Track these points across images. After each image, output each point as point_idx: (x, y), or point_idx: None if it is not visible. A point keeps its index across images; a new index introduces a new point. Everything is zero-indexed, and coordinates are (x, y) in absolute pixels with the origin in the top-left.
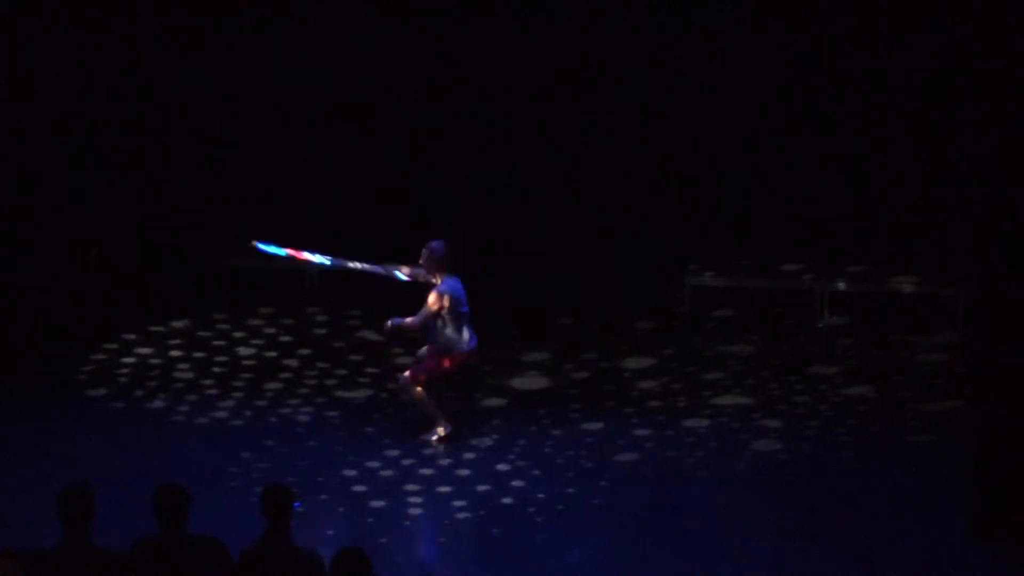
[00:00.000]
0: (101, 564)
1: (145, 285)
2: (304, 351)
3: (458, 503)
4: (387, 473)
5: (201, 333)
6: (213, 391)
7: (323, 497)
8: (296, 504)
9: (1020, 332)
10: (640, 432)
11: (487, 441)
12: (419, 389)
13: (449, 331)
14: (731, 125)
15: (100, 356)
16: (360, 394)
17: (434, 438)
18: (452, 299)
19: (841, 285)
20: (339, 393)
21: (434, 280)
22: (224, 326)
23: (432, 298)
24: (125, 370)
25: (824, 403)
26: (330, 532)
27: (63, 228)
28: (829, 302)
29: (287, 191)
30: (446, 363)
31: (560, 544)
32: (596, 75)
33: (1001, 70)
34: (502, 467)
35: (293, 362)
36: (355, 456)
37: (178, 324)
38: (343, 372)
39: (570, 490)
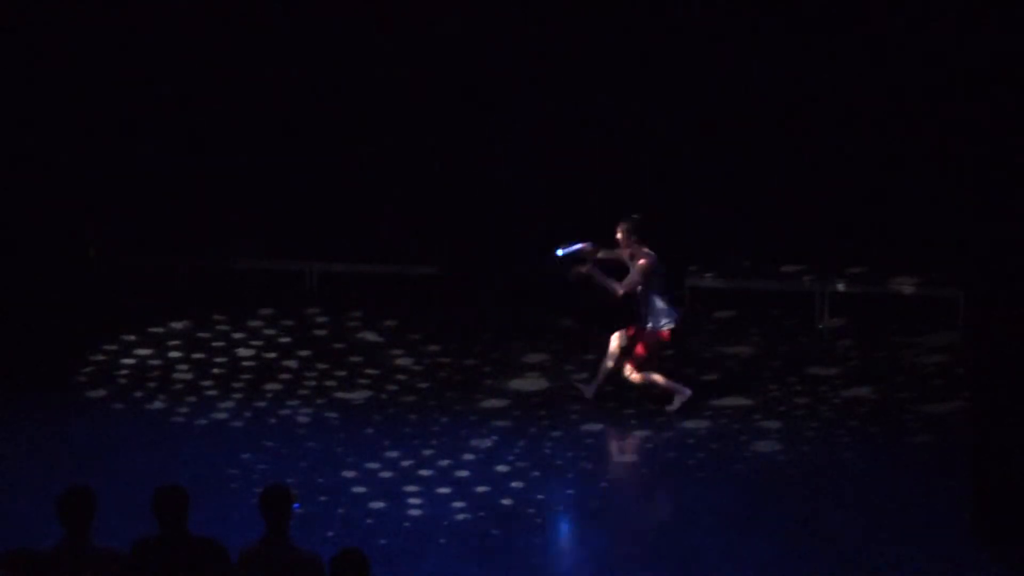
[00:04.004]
0: (101, 564)
1: (145, 286)
2: (304, 352)
3: (458, 504)
4: (386, 474)
5: (201, 334)
6: (213, 392)
7: (322, 498)
8: (295, 505)
9: (1020, 333)
10: (640, 433)
11: (487, 442)
12: (640, 375)
13: (655, 305)
14: (732, 125)
15: (100, 357)
16: (360, 395)
17: (677, 406)
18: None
19: (841, 286)
20: (339, 394)
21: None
22: (224, 327)
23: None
24: (125, 371)
25: (824, 404)
26: (329, 533)
27: (62, 229)
28: (829, 303)
29: (288, 192)
30: (653, 341)
31: (560, 545)
32: (597, 75)
33: (1001, 69)
34: (502, 468)
35: (293, 363)
36: (354, 457)
37: (178, 325)
38: (343, 373)
39: (569, 491)
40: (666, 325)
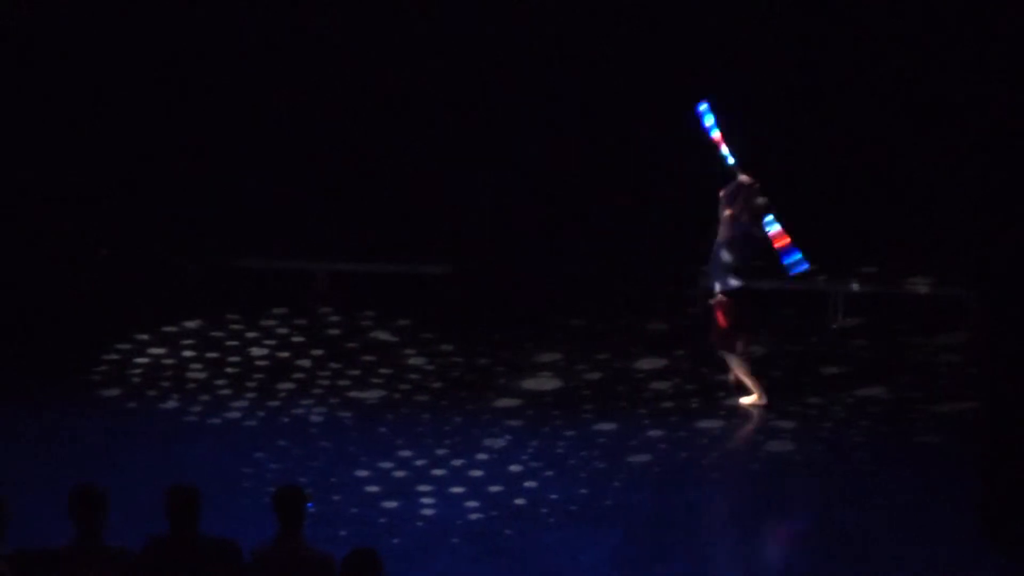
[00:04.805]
0: (113, 564)
1: (158, 285)
2: (317, 351)
3: (471, 504)
4: (400, 474)
5: (214, 333)
6: (226, 391)
7: (335, 497)
8: (309, 505)
9: None
10: (653, 433)
11: (500, 442)
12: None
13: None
14: (741, 125)
15: (113, 356)
16: (373, 394)
17: (749, 401)
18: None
19: (855, 286)
20: (352, 393)
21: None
22: (237, 326)
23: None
24: (138, 370)
25: (837, 404)
26: (342, 533)
27: (74, 228)
28: (843, 303)
29: (297, 191)
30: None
31: (572, 545)
32: (607, 74)
33: (1014, 70)
34: (515, 468)
35: (306, 362)
36: (368, 456)
37: (191, 324)
38: (356, 372)
39: (583, 491)
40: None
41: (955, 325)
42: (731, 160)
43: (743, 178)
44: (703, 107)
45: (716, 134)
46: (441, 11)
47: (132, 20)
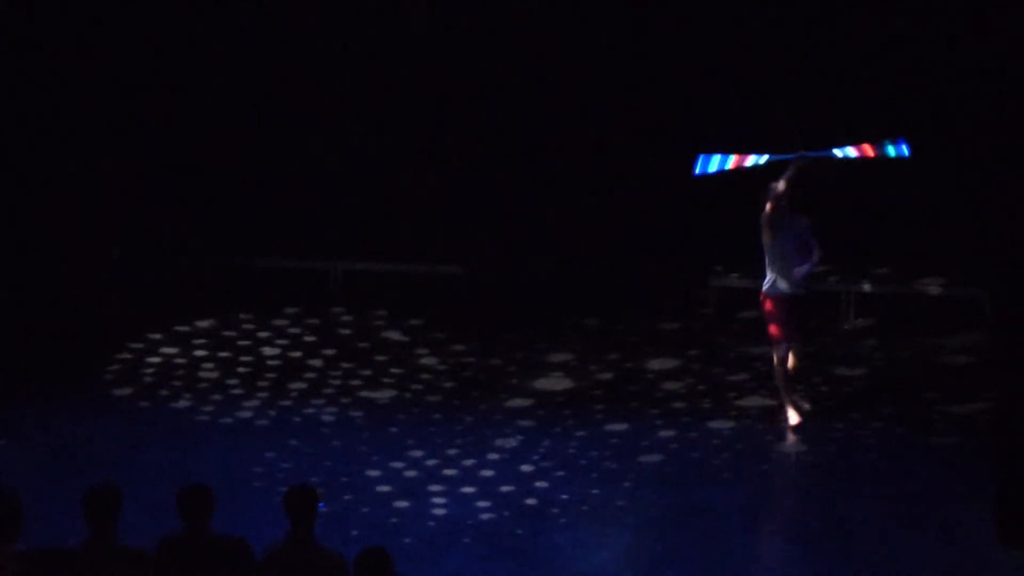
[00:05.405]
0: (126, 563)
1: (170, 285)
2: (329, 351)
3: (482, 504)
4: (411, 473)
5: (226, 333)
6: (238, 391)
7: (347, 497)
8: (320, 504)
9: None
10: (664, 433)
11: (511, 442)
12: (777, 363)
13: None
14: (753, 125)
15: (125, 356)
16: (384, 394)
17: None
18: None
19: (867, 287)
20: (363, 393)
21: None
22: (249, 326)
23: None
24: (150, 369)
25: (849, 405)
26: (354, 532)
27: (87, 228)
28: (855, 304)
29: (310, 191)
30: (766, 307)
31: (583, 545)
32: (620, 75)
33: None
34: (526, 468)
35: (318, 362)
36: (379, 456)
37: (203, 324)
38: (368, 372)
39: (594, 491)
40: (768, 291)
41: (967, 326)
42: (763, 160)
43: (779, 186)
44: (700, 163)
45: (731, 162)
46: (454, 10)
47: (152, 19)
